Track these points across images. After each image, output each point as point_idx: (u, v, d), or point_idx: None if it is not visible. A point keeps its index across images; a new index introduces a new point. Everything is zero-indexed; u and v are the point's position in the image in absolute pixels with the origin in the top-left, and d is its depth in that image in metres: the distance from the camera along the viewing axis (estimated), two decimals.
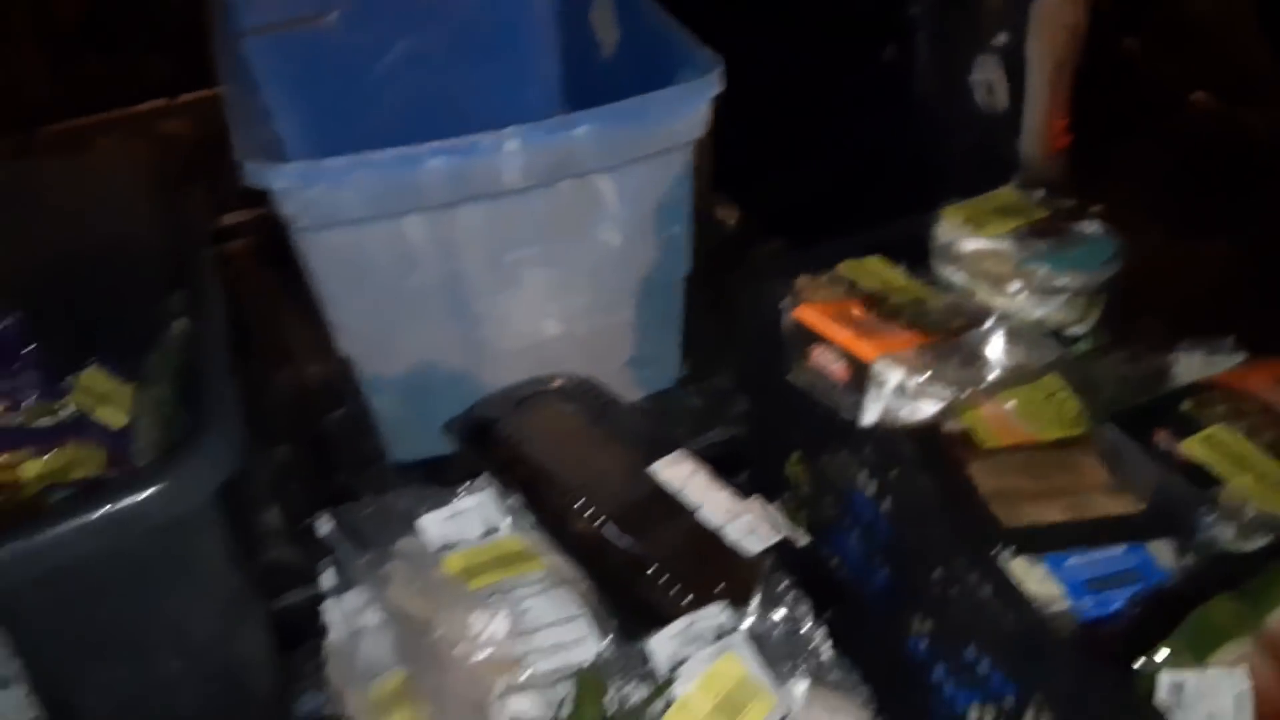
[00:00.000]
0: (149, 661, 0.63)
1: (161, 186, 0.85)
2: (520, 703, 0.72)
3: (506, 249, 0.90)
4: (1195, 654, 0.60)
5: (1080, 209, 0.84)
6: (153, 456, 0.90)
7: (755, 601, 0.75)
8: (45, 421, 0.95)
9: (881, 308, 0.74)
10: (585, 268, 0.95)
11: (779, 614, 0.75)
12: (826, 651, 0.76)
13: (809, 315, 0.70)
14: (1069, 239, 0.80)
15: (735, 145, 1.06)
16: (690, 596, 0.77)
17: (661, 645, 0.73)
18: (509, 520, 0.84)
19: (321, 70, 1.17)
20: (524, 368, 0.99)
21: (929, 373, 0.67)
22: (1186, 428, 0.64)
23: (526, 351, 1.00)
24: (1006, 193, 0.86)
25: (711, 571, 0.79)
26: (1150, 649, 0.61)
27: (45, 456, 0.89)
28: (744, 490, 0.85)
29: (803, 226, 1.22)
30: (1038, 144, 0.95)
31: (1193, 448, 0.63)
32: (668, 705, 0.71)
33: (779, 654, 0.74)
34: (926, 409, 0.68)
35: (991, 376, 0.69)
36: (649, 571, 0.79)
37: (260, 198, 0.78)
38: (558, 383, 0.98)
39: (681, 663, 0.72)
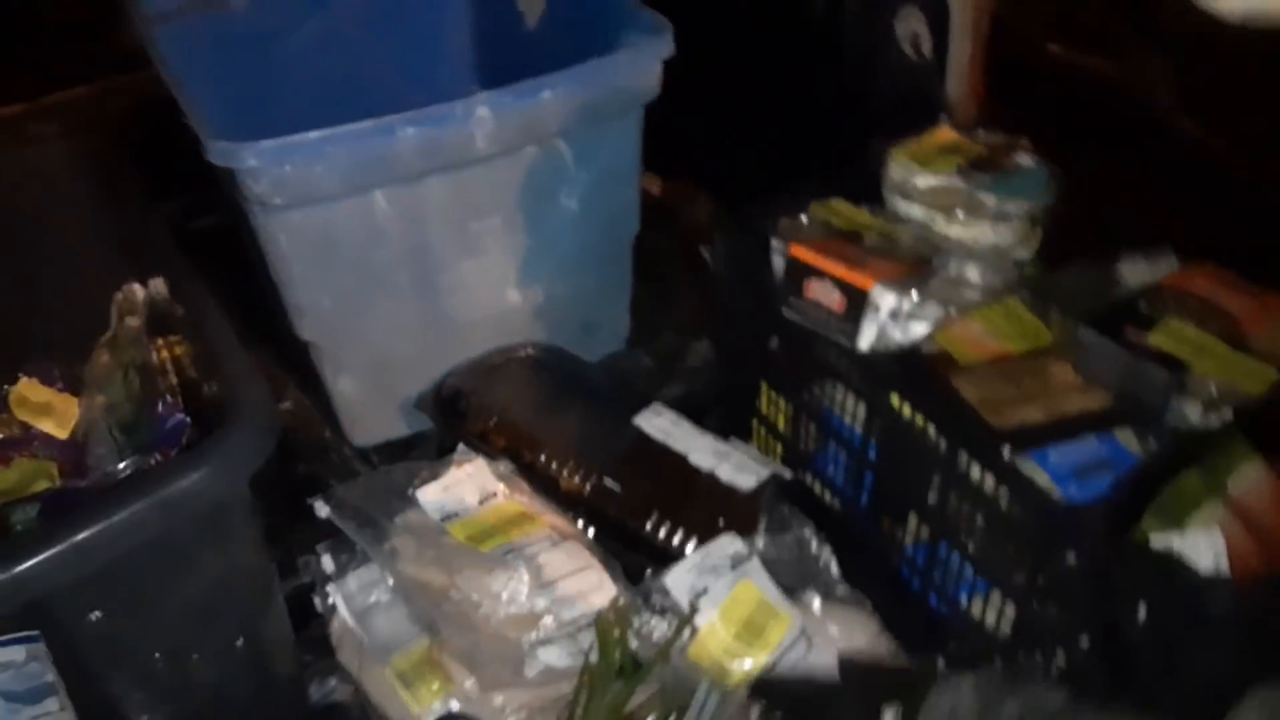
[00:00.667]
0: (184, 655, 0.61)
1: (103, 176, 0.80)
2: (550, 653, 0.74)
3: (470, 219, 0.90)
4: (1174, 522, 0.67)
5: (1011, 144, 0.91)
6: (114, 464, 0.86)
7: (763, 528, 0.79)
8: None
9: (857, 242, 0.78)
10: (545, 234, 0.96)
11: (787, 538, 0.79)
12: (833, 569, 0.80)
13: (804, 252, 0.74)
14: (1008, 171, 0.86)
15: (654, 109, 1.08)
16: (695, 538, 0.80)
17: (679, 579, 0.76)
18: (502, 487, 0.84)
19: (231, 55, 1.13)
20: (484, 341, 1.00)
21: (917, 296, 0.72)
22: (1148, 324, 0.71)
23: (487, 323, 1.00)
24: (944, 132, 0.92)
25: (713, 511, 0.82)
26: (1134, 522, 0.67)
27: None
28: None
29: (733, 186, 1.27)
30: (962, 88, 1.01)
31: (1157, 339, 0.70)
32: (692, 635, 0.74)
33: (790, 576, 0.78)
34: (918, 330, 0.72)
35: (970, 297, 0.75)
36: (653, 518, 0.81)
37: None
38: (525, 350, 0.99)
39: (701, 594, 0.75)
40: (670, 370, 1.16)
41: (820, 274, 0.72)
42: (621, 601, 0.76)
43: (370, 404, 0.99)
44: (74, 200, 0.84)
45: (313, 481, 1.00)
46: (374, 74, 1.20)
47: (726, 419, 1.03)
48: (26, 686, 0.58)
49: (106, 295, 0.86)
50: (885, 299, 0.71)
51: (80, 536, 0.49)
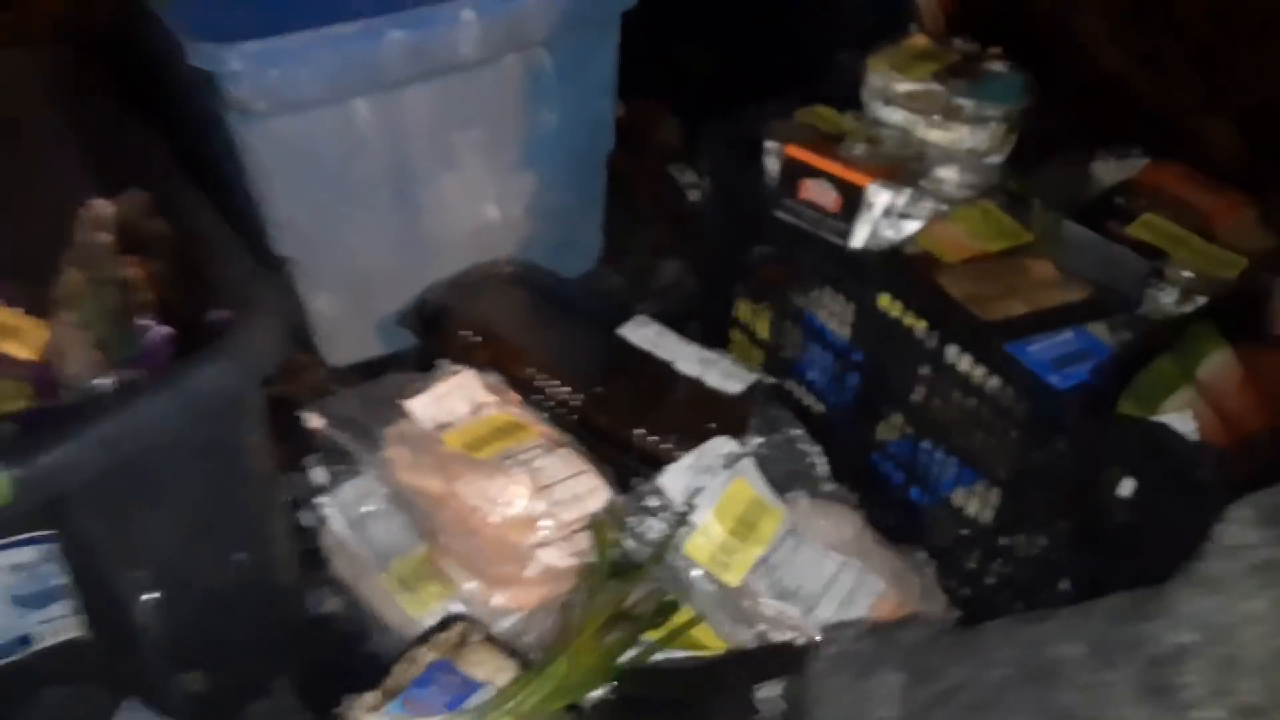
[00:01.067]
0: (192, 559, 0.61)
1: (77, 86, 0.77)
2: (550, 554, 0.75)
3: (450, 130, 0.89)
4: (1148, 406, 0.70)
5: (982, 52, 0.92)
6: (90, 382, 0.84)
7: (753, 430, 0.81)
8: None
9: (844, 146, 0.79)
10: (525, 148, 0.95)
11: (776, 439, 0.81)
12: (821, 467, 0.82)
13: (800, 151, 0.74)
14: (983, 76, 0.88)
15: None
16: (687, 442, 0.81)
17: (674, 480, 0.77)
18: (493, 398, 0.85)
19: None
20: (461, 258, 0.99)
21: (909, 193, 0.73)
22: (1127, 217, 0.74)
23: (465, 240, 0.99)
24: (919, 40, 0.93)
25: (702, 415, 0.83)
26: (1111, 407, 0.71)
27: None
28: None
29: (698, 105, 1.26)
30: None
31: (1136, 231, 0.73)
32: (688, 532, 0.76)
33: (779, 474, 0.80)
34: (910, 228, 0.74)
35: (957, 194, 0.76)
36: (645, 424, 0.83)
37: None
38: (505, 267, 0.99)
39: (696, 493, 0.77)
40: (643, 288, 1.17)
41: (816, 172, 0.73)
42: (616, 504, 0.78)
43: (347, 322, 0.98)
44: (43, 110, 0.80)
45: (288, 402, 0.99)
46: None
47: (703, 333, 1.05)
48: (36, 589, 0.57)
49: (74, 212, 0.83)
50: (880, 196, 0.73)
51: (102, 428, 0.48)
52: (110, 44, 0.91)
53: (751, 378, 0.86)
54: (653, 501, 0.77)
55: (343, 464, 0.80)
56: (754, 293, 0.93)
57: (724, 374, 0.86)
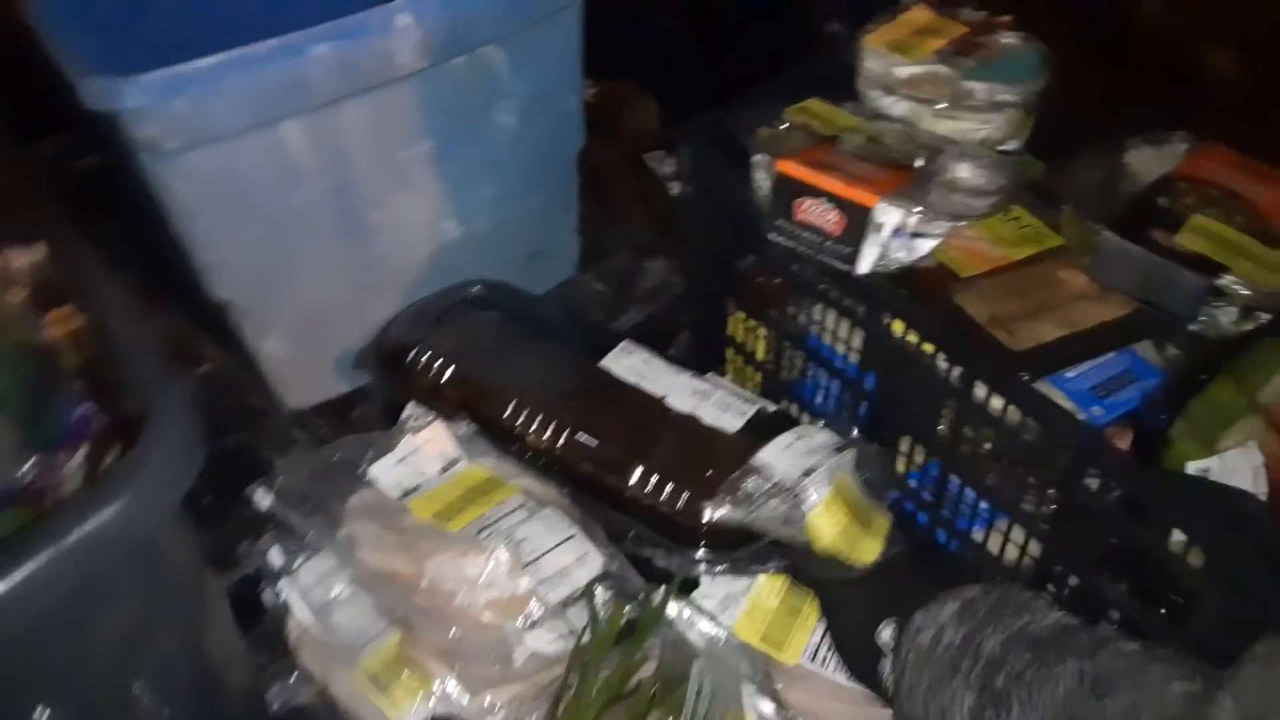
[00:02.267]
0: (122, 687, 0.52)
1: None
2: (539, 638, 0.67)
3: (397, 146, 0.79)
4: (1206, 440, 0.62)
5: (992, 22, 0.82)
6: (14, 469, 0.74)
7: None
8: None
9: (844, 150, 0.69)
10: (483, 155, 0.85)
11: None
12: None
13: (794, 167, 0.64)
14: (993, 52, 0.78)
15: None
16: (687, 493, 0.72)
17: (776, 456, 0.71)
18: (464, 450, 0.76)
19: None
20: (423, 283, 0.89)
21: (920, 210, 0.64)
22: (1174, 223, 0.64)
23: (425, 263, 0.89)
24: (919, 11, 0.82)
25: (699, 460, 0.74)
26: (1165, 443, 0.62)
27: None
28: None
29: (675, 83, 1.16)
30: None
31: (1186, 240, 0.63)
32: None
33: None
34: (924, 246, 0.65)
35: (976, 204, 0.67)
36: (638, 473, 0.74)
37: None
38: (473, 290, 0.89)
39: (808, 473, 0.69)
40: (626, 294, 1.07)
41: (815, 191, 0.63)
42: (613, 568, 0.70)
43: (302, 362, 0.89)
44: None
45: (246, 453, 0.90)
46: None
47: (696, 347, 0.96)
48: None
49: None
50: (890, 215, 0.63)
51: None
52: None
53: (752, 409, 0.77)
54: (754, 484, 0.69)
55: (301, 541, 0.71)
56: (747, 307, 0.84)
57: (720, 407, 0.77)
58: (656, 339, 1.01)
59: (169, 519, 0.48)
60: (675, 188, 1.11)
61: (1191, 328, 0.64)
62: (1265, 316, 0.61)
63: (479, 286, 0.90)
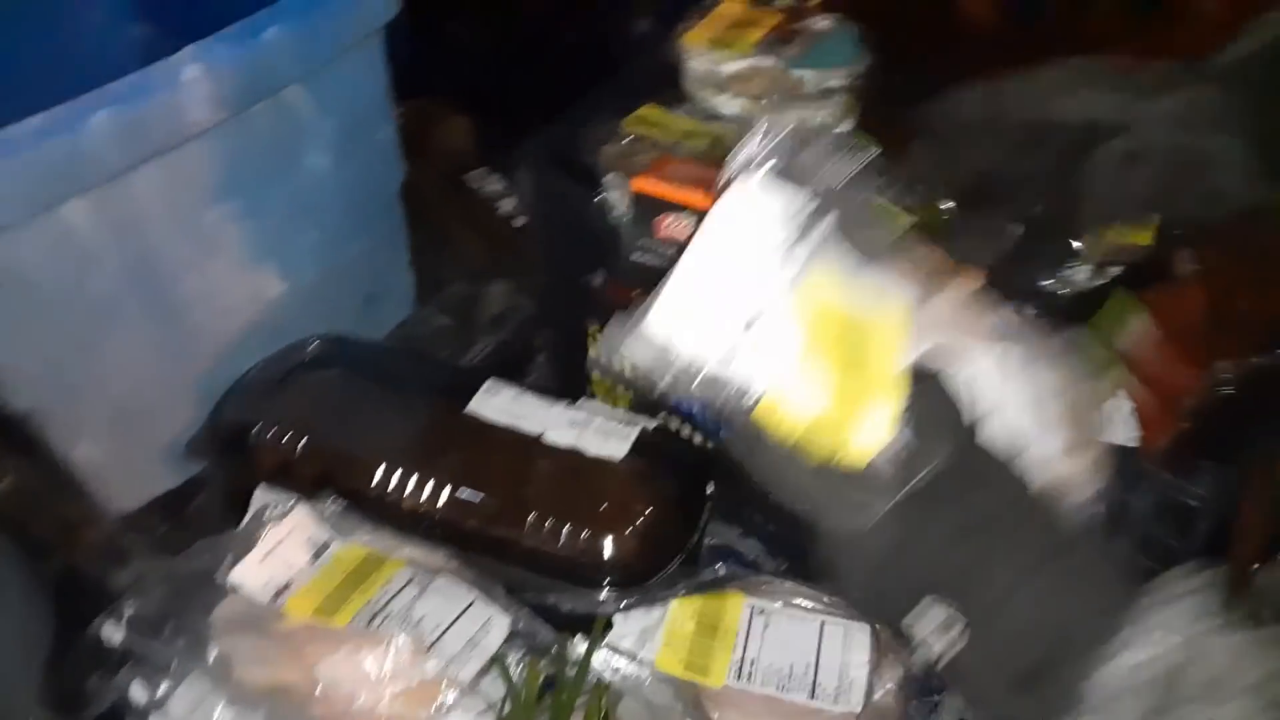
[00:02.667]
0: None
1: None
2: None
3: (201, 209, 0.71)
4: None
5: (801, 6, 0.82)
6: None
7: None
8: None
9: (692, 156, 0.67)
10: (298, 203, 0.78)
11: None
12: None
13: (650, 186, 0.62)
14: (812, 38, 0.78)
15: None
16: (585, 531, 0.69)
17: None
18: (334, 531, 0.69)
19: None
20: (252, 350, 0.81)
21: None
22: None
23: (250, 328, 0.81)
24: (730, 5, 0.82)
25: (590, 496, 0.71)
26: None
27: None
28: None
29: (487, 95, 1.10)
30: None
31: None
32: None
33: None
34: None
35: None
36: (529, 520, 0.69)
37: None
38: (310, 348, 0.81)
39: None
40: (472, 323, 1.02)
41: (676, 207, 0.61)
42: (520, 625, 0.65)
43: (124, 462, 0.79)
44: None
45: (77, 575, 0.79)
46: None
47: (557, 369, 0.93)
48: None
49: None
50: None
51: None
52: None
53: (633, 431, 0.74)
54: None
55: (165, 672, 0.63)
56: (607, 321, 0.81)
57: (602, 434, 0.74)
58: (512, 366, 0.98)
59: None
60: (505, 205, 1.07)
61: (1048, 286, 0.66)
62: (1115, 270, 0.63)
63: (316, 343, 0.82)
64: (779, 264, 0.41)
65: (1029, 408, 0.45)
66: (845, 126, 0.78)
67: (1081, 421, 0.46)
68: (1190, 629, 0.36)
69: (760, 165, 0.44)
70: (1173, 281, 0.68)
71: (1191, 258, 0.64)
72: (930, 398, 0.41)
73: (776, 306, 0.40)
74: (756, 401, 0.40)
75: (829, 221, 0.43)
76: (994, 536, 0.40)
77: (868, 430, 0.41)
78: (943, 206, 0.66)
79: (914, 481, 0.40)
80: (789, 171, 0.44)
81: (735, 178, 0.44)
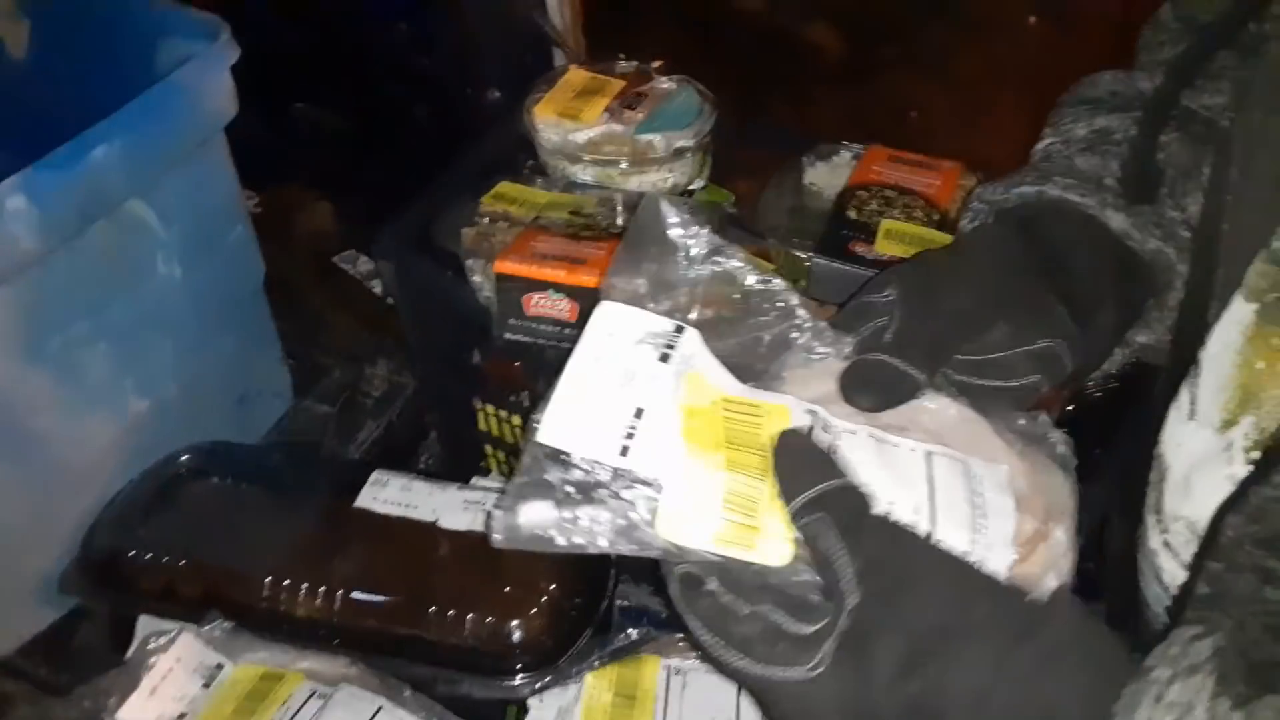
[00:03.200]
0: None
1: None
2: None
3: (46, 336, 0.67)
4: None
5: (645, 70, 0.84)
6: None
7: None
8: None
9: (552, 230, 0.67)
10: (152, 316, 0.75)
11: None
12: None
13: (513, 267, 0.61)
14: (657, 100, 0.80)
15: None
16: (490, 617, 0.68)
17: None
18: (225, 653, 0.66)
19: None
20: (119, 471, 0.77)
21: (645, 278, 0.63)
22: (867, 232, 0.68)
23: (117, 450, 0.77)
24: (575, 73, 0.83)
25: (493, 576, 0.70)
26: None
27: None
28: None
29: (340, 178, 1.09)
30: (568, 16, 0.92)
31: (884, 246, 0.67)
32: None
33: None
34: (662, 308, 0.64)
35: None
36: (431, 614, 0.68)
37: None
38: (182, 461, 0.78)
39: None
40: (355, 409, 1.00)
41: (540, 285, 0.61)
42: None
43: None
44: None
45: None
46: None
47: (449, 449, 0.91)
48: None
49: None
50: None
51: None
52: None
53: None
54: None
55: None
56: (493, 399, 0.80)
57: None
58: (404, 448, 0.96)
59: None
60: (377, 285, 1.05)
61: None
62: None
63: (187, 455, 0.79)
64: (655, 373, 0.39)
65: (955, 510, 0.39)
66: (700, 182, 0.80)
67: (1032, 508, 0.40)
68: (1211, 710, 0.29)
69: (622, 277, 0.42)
70: None
71: None
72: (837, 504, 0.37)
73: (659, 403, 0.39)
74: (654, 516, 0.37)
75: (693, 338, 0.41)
76: (953, 642, 0.34)
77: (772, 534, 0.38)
78: (801, 255, 0.68)
79: (844, 612, 0.34)
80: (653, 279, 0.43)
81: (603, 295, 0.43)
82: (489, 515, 0.38)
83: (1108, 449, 0.56)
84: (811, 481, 0.37)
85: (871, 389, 0.42)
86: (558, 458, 0.38)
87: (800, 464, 0.38)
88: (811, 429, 0.40)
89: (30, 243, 0.60)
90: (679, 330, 0.42)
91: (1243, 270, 0.38)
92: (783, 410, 0.40)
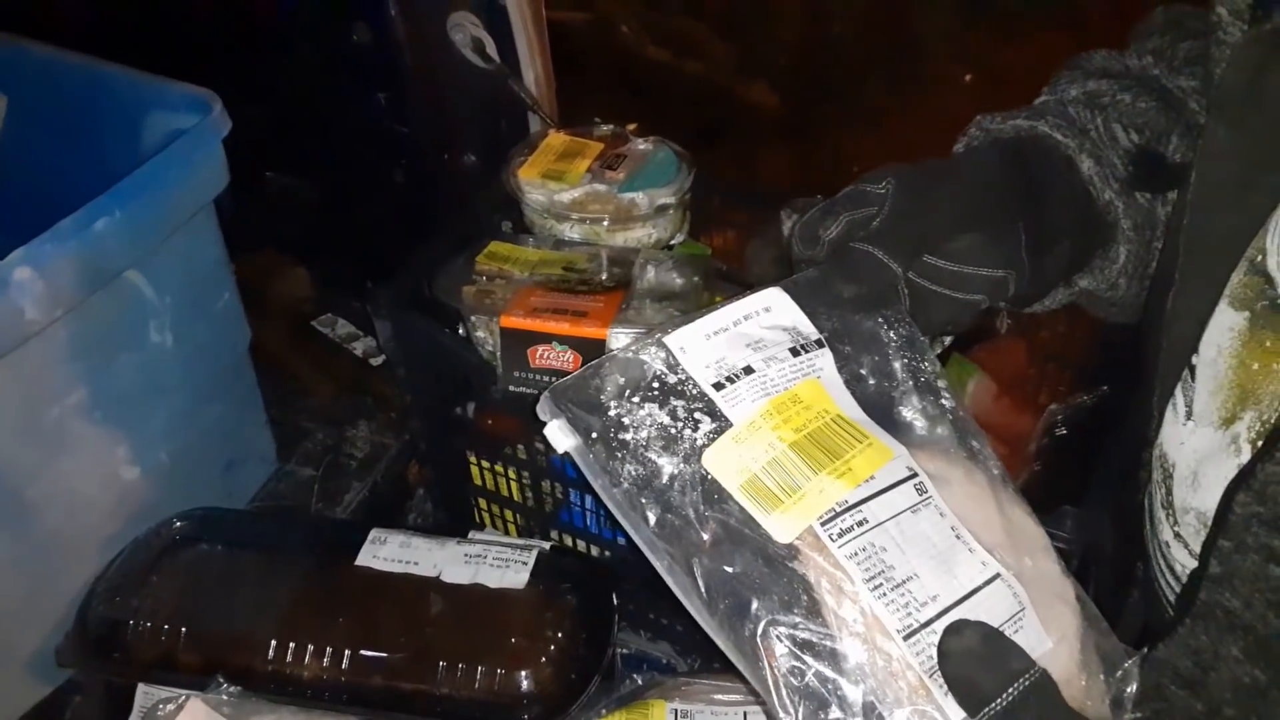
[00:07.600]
0: None
1: None
2: None
3: (44, 406, 0.68)
4: None
5: (621, 133, 0.87)
6: None
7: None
8: None
9: (548, 285, 0.70)
10: (145, 383, 0.75)
11: None
12: None
13: (517, 321, 0.63)
14: (637, 160, 0.83)
15: None
16: (499, 670, 0.68)
17: None
18: (232, 717, 0.66)
19: None
20: (112, 539, 0.77)
21: (644, 327, 0.65)
22: None
23: (109, 520, 0.77)
24: (555, 137, 0.86)
25: (499, 627, 0.70)
26: None
27: None
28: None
29: (319, 244, 1.10)
30: (544, 84, 0.95)
31: None
32: None
33: None
34: None
35: (681, 305, 0.70)
36: (440, 669, 0.68)
37: None
38: (175, 528, 0.77)
39: None
40: (340, 471, 1.00)
41: (545, 338, 0.63)
42: None
43: None
44: None
45: None
46: None
47: (441, 504, 0.92)
48: None
49: None
50: (621, 341, 0.64)
51: None
52: None
53: (531, 556, 0.75)
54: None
55: None
56: (487, 453, 0.81)
57: (499, 565, 0.74)
58: (391, 507, 0.97)
59: None
60: (357, 348, 1.06)
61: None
62: (948, 337, 0.69)
63: (179, 523, 0.78)
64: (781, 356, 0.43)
65: None
66: (679, 238, 0.83)
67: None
68: None
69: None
70: (995, 337, 0.75)
71: (1006, 312, 0.71)
72: None
73: None
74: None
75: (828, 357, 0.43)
76: None
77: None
78: None
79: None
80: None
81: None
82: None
83: (1094, 467, 0.59)
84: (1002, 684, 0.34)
85: (855, 277, 0.45)
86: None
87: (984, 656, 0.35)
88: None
89: (34, 314, 0.61)
90: (820, 344, 0.44)
91: (1205, 265, 0.41)
92: (886, 451, 0.41)
